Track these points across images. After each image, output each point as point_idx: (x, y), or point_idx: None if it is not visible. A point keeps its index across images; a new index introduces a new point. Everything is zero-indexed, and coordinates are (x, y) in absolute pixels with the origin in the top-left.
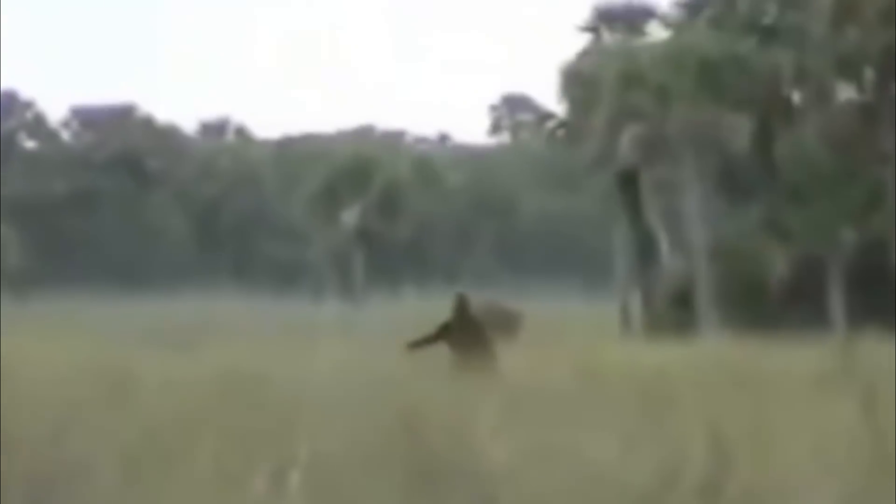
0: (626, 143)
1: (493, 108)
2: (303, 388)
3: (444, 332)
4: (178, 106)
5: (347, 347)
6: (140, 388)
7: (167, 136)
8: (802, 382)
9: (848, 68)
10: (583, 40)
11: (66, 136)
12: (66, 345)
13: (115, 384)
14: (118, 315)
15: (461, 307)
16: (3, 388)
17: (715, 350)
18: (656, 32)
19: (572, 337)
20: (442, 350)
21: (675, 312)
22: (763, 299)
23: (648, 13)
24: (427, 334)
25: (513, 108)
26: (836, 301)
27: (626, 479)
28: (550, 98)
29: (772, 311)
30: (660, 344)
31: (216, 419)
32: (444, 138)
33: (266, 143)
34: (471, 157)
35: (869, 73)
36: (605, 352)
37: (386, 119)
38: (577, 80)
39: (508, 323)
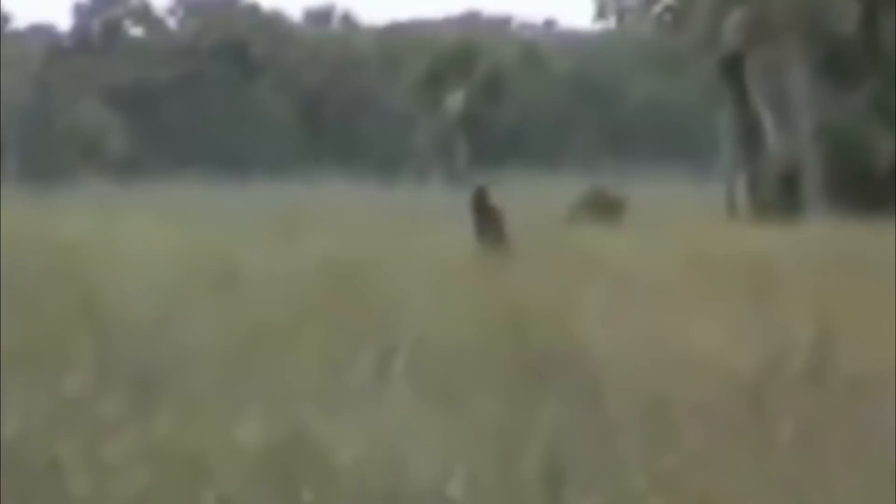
0: (731, 26)
1: None
2: (407, 275)
3: (483, 225)
4: None
5: (451, 233)
6: (244, 276)
7: (272, 24)
8: None
9: None
10: None
11: (171, 23)
12: (171, 230)
13: (219, 271)
14: (223, 200)
15: (480, 200)
16: (109, 274)
17: (821, 234)
18: None
19: (678, 221)
20: (542, 236)
21: (780, 196)
22: (870, 183)
23: None
24: (479, 233)
25: None
26: None
27: (731, 365)
28: None
29: (878, 194)
30: (766, 228)
31: (320, 306)
32: (549, 24)
33: (371, 31)
34: (576, 43)
35: None
36: (710, 236)
37: (492, 5)
38: None
39: (612, 209)
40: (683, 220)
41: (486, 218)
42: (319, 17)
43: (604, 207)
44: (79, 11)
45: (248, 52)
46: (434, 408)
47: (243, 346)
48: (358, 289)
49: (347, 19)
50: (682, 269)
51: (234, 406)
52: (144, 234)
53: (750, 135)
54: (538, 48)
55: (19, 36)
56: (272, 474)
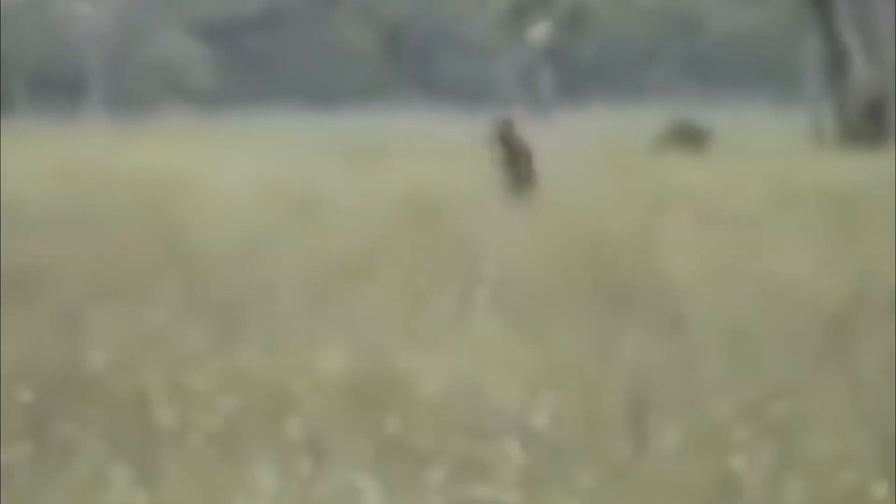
0: None
1: None
2: (489, 205)
3: (508, 162)
4: None
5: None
6: (328, 206)
7: None
8: None
9: None
10: None
11: None
12: (255, 160)
13: (303, 201)
14: (306, 130)
15: (506, 133)
16: (193, 205)
17: None
18: None
19: (763, 150)
20: (626, 162)
21: (867, 123)
22: None
23: None
24: (501, 169)
25: None
26: None
27: (816, 295)
28: None
29: None
30: (852, 156)
31: (403, 237)
32: None
33: None
34: None
35: None
36: (796, 165)
37: None
38: None
39: (696, 139)
40: (768, 149)
41: (512, 152)
42: None
43: (688, 137)
44: None
45: None
46: (517, 338)
47: (327, 277)
48: (440, 220)
49: None
50: (766, 200)
51: (318, 336)
52: (228, 165)
53: (835, 62)
54: None
55: None
56: (356, 404)
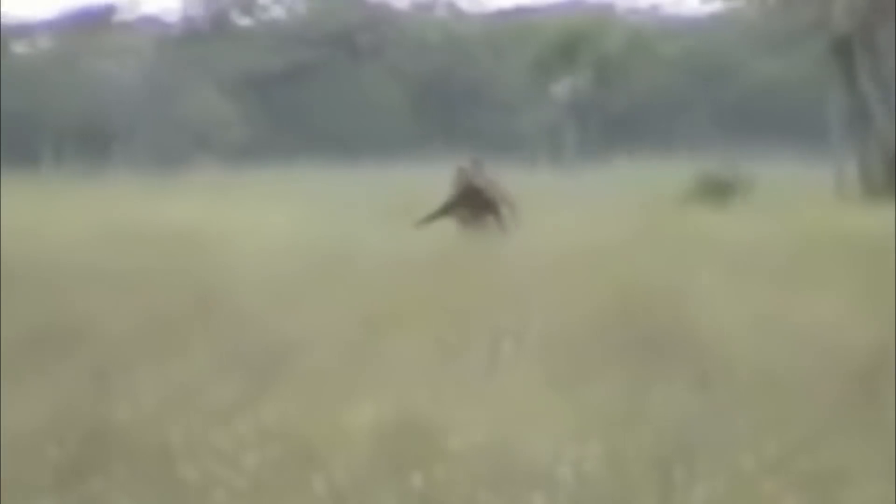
0: (841, 7)
1: None
2: (518, 259)
3: (450, 208)
4: None
5: (560, 216)
6: (358, 260)
7: (378, 11)
8: None
9: None
10: None
11: (278, 11)
12: (285, 215)
13: (333, 256)
14: (336, 185)
15: (464, 181)
16: (227, 260)
17: None
18: None
19: (789, 203)
20: (651, 216)
21: (889, 177)
22: None
23: None
24: (434, 211)
25: None
26: None
27: (844, 348)
28: None
29: None
30: (876, 209)
31: (434, 290)
32: (655, 8)
33: (476, 17)
34: (683, 27)
35: None
36: (822, 217)
37: None
38: None
39: (724, 190)
40: (795, 200)
41: (475, 202)
42: (423, 6)
43: (716, 189)
44: (187, 1)
45: (356, 39)
46: (545, 391)
47: (356, 332)
48: (471, 273)
49: (452, 6)
50: (793, 252)
51: (347, 391)
52: (258, 218)
53: (859, 115)
54: (645, 32)
55: (128, 27)
56: (383, 459)
